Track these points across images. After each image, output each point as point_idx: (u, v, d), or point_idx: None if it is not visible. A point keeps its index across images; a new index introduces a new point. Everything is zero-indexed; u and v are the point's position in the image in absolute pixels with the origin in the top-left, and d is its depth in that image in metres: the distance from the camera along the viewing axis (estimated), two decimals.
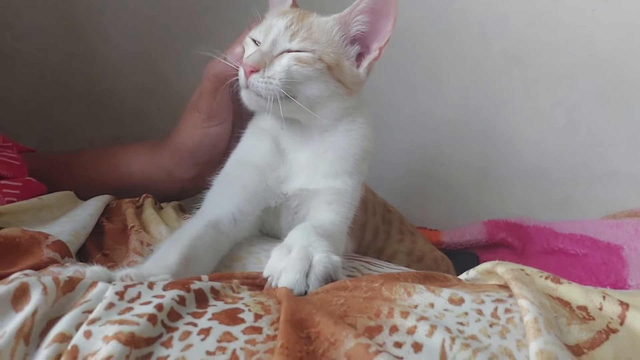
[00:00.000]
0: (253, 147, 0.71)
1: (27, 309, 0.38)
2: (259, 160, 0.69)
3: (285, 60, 0.63)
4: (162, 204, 0.81)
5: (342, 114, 0.69)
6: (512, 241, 1.12)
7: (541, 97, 1.22)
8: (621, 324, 0.44)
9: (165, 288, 0.44)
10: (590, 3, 1.16)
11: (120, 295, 0.42)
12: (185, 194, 0.87)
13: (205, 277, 0.48)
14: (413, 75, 1.26)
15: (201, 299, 0.44)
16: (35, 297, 0.39)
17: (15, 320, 0.38)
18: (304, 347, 0.37)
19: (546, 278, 0.48)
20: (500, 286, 0.49)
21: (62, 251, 0.54)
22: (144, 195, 0.80)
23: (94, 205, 0.69)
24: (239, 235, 0.66)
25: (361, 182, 0.71)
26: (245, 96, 0.65)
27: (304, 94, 0.64)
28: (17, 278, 0.40)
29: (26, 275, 0.42)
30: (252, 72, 0.62)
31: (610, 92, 1.18)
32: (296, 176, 0.68)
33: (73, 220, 0.62)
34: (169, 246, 0.57)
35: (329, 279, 0.50)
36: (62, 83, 1.31)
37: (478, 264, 0.54)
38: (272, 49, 0.64)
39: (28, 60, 1.30)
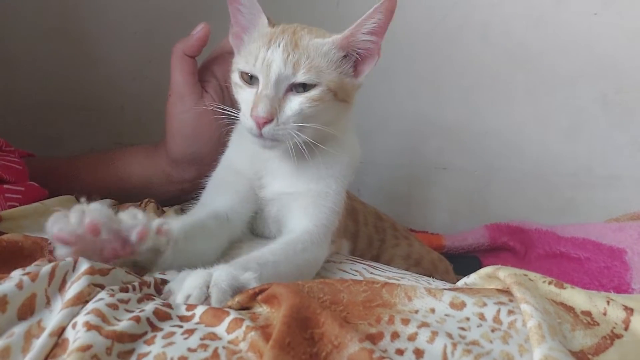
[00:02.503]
0: (237, 155, 0.70)
1: None
2: (244, 167, 0.68)
3: (296, 105, 0.61)
4: (165, 208, 0.81)
5: (344, 128, 0.69)
6: (514, 245, 1.12)
7: (543, 101, 1.22)
8: (626, 329, 0.43)
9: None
10: (592, 7, 1.16)
11: (112, 295, 0.43)
12: (185, 196, 0.86)
13: None
14: (415, 79, 1.26)
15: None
16: None
17: None
18: (308, 349, 0.37)
19: (549, 283, 0.47)
20: (499, 290, 0.49)
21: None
22: (146, 199, 0.79)
23: None
24: (232, 234, 0.66)
25: (345, 187, 0.70)
26: (259, 143, 0.62)
27: (315, 124, 0.62)
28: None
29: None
30: (265, 123, 0.59)
31: (612, 95, 1.18)
32: (276, 181, 0.68)
33: None
34: (173, 219, 0.58)
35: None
36: (62, 90, 1.31)
37: (480, 267, 0.54)
38: (277, 90, 0.61)
39: (28, 67, 1.31)
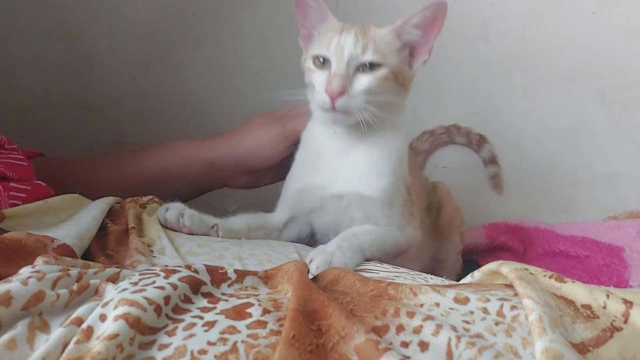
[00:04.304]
0: (302, 157, 0.80)
1: None
2: (307, 167, 0.78)
3: (365, 82, 0.69)
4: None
5: (400, 113, 0.77)
6: (513, 244, 1.12)
7: (542, 100, 1.22)
8: (625, 322, 0.44)
9: (181, 279, 0.44)
10: (590, 5, 1.16)
11: (135, 284, 0.43)
12: (213, 188, 0.96)
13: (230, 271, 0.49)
14: (414, 78, 1.27)
15: (213, 295, 0.45)
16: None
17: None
18: (314, 340, 0.38)
19: (550, 277, 0.48)
20: (506, 285, 0.49)
21: (68, 255, 0.53)
22: (150, 197, 0.80)
23: (98, 208, 0.68)
24: (287, 237, 0.81)
25: (403, 180, 0.77)
26: (330, 117, 0.71)
27: (379, 102, 0.70)
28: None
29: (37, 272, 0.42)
30: (338, 96, 0.68)
31: (611, 94, 1.18)
32: (343, 178, 0.75)
33: (78, 223, 0.62)
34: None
35: None
36: (62, 89, 1.31)
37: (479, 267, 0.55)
38: (347, 70, 0.69)
39: (28, 67, 1.31)
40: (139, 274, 0.44)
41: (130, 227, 0.64)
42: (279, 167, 0.87)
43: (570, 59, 1.19)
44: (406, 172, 0.78)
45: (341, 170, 0.75)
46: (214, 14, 1.30)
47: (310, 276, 0.54)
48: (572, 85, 1.20)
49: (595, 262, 1.01)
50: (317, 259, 0.61)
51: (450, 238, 0.99)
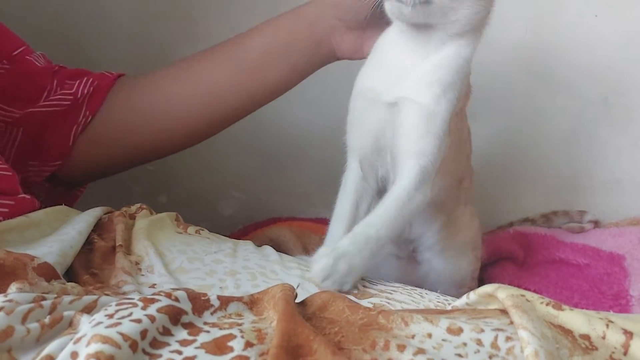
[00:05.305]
0: (371, 66, 0.76)
1: None
2: (370, 68, 0.75)
3: None
4: (158, 215, 0.79)
5: (472, 22, 0.73)
6: (514, 250, 1.09)
7: (543, 104, 1.20)
8: (625, 353, 0.42)
9: (159, 310, 0.42)
10: (592, 9, 1.14)
11: (110, 316, 0.40)
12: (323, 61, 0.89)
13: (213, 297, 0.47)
14: None
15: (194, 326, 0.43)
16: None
17: None
18: None
19: (547, 304, 0.46)
20: (502, 311, 0.47)
21: (48, 274, 0.52)
22: (138, 205, 0.77)
23: (84, 221, 0.66)
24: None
25: (453, 104, 0.70)
26: (388, 7, 0.67)
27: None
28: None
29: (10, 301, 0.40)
30: None
31: (613, 99, 1.16)
32: (400, 84, 0.71)
33: (61, 239, 0.59)
34: (335, 221, 0.73)
35: None
36: None
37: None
38: None
39: None
40: (116, 304, 0.41)
41: (117, 244, 0.62)
42: (377, 22, 0.79)
43: (572, 62, 1.17)
44: (461, 94, 0.72)
45: (400, 76, 0.71)
46: (209, 15, 1.28)
47: (307, 294, 0.53)
48: (573, 89, 1.18)
49: (595, 270, 0.99)
50: (319, 264, 0.59)
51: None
